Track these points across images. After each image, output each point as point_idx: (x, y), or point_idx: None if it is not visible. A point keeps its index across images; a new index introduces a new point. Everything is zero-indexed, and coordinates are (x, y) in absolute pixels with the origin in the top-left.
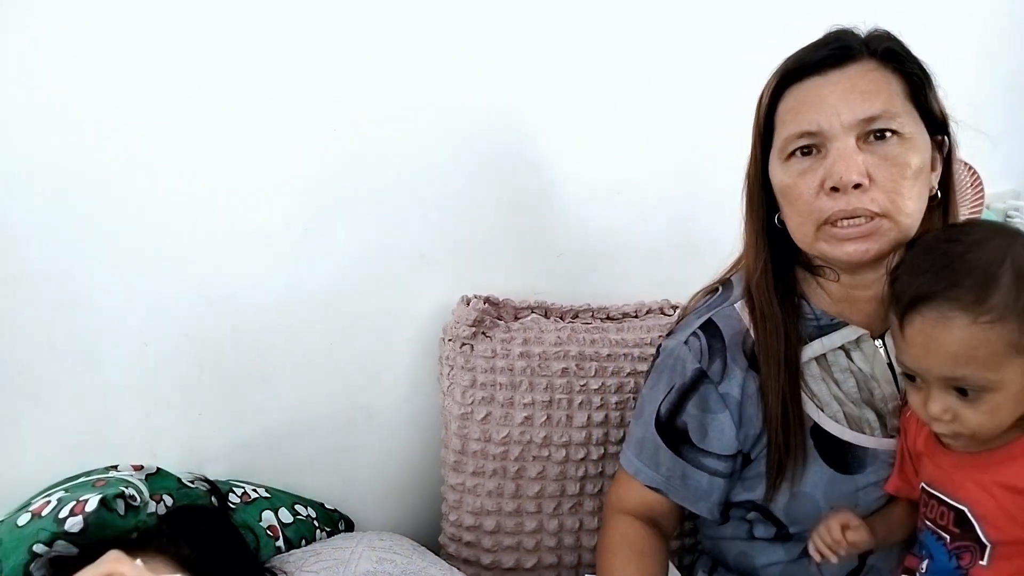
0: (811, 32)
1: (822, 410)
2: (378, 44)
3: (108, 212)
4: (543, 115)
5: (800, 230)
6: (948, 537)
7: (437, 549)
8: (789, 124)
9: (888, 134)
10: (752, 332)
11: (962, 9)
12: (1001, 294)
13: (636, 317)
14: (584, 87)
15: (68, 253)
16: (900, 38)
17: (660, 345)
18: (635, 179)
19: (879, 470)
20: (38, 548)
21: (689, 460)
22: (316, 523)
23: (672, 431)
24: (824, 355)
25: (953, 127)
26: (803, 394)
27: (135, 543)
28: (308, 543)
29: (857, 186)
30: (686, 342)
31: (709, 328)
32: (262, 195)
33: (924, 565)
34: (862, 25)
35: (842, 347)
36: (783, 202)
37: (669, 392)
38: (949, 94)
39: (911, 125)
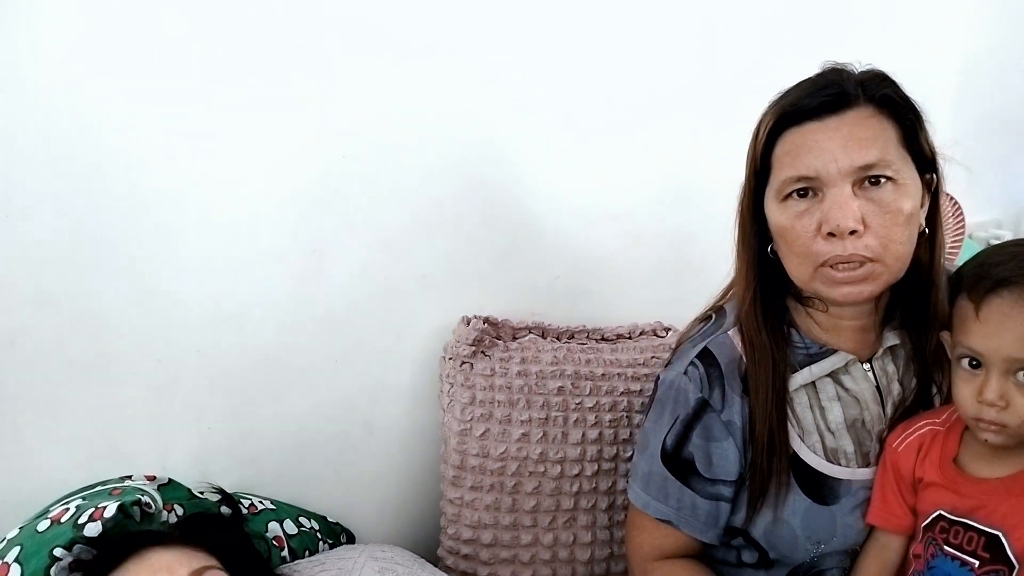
0: (804, 65)
1: (803, 440)
2: (386, 78)
3: (125, 236)
4: (543, 144)
5: (798, 270)
6: (977, 562)
7: (435, 562)
8: (787, 167)
9: (883, 180)
10: (744, 359)
11: (944, 43)
12: None
13: (630, 338)
14: (583, 117)
15: (87, 274)
16: (894, 78)
17: (658, 378)
18: (630, 206)
19: (853, 501)
20: (58, 552)
21: (698, 490)
22: (319, 535)
23: (679, 462)
24: (813, 383)
25: (940, 163)
26: (788, 422)
27: (170, 538)
28: (311, 554)
29: (853, 232)
30: (685, 372)
31: (706, 357)
32: (273, 218)
33: None
34: (851, 59)
35: (831, 374)
36: (780, 241)
37: (673, 424)
38: (932, 127)
39: (904, 171)
